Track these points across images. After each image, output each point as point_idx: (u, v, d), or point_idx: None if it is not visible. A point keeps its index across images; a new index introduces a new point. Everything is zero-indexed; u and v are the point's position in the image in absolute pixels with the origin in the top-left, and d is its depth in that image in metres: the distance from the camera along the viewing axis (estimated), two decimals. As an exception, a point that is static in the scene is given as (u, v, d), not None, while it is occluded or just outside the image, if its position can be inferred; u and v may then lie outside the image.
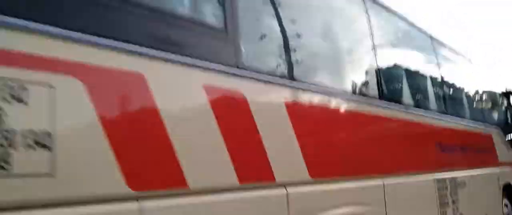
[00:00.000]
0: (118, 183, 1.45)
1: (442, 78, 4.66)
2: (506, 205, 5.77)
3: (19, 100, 1.25)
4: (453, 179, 4.09)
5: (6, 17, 1.26)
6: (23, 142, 1.24)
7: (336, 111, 2.67)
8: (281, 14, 2.38)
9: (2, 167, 1.19)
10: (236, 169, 1.88)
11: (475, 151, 5.12)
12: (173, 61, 1.72)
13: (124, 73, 1.55)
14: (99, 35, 1.48)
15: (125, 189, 1.46)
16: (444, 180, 3.90)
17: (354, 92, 2.93)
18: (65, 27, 1.39)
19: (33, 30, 1.31)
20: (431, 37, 4.48)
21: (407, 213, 3.17)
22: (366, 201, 2.72)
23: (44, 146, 1.28)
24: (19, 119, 1.24)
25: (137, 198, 1.50)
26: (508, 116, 7.04)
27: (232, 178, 1.86)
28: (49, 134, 1.29)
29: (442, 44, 4.81)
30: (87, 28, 1.46)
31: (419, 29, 4.23)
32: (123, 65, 1.55)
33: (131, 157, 1.50)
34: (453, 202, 4.02)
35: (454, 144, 4.44)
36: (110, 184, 1.43)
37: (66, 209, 1.32)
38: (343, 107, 2.72)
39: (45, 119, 1.30)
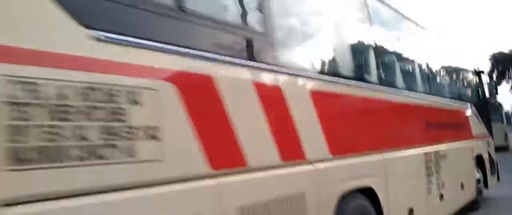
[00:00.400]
0: (203, 165, 1.81)
1: (425, 60, 5.14)
2: (478, 174, 6.41)
3: (136, 102, 1.58)
4: (436, 152, 4.61)
5: (124, 36, 1.58)
6: (142, 135, 1.58)
7: (348, 97, 3.08)
8: (301, 18, 2.75)
9: (132, 156, 1.54)
10: (279, 150, 2.27)
11: (454, 126, 5.70)
12: (232, 65, 2.07)
13: (199, 76, 1.90)
14: (183, 47, 1.81)
15: (209, 170, 1.83)
16: (430, 153, 4.42)
17: (361, 79, 3.35)
18: (161, 42, 1.72)
19: (142, 46, 1.64)
20: (416, 24, 4.92)
21: (401, 182, 3.65)
22: (373, 173, 3.17)
23: (155, 137, 1.63)
24: (138, 117, 1.58)
25: (215, 176, 1.87)
26: (480, 93, 7.68)
27: (276, 157, 2.25)
28: (157, 128, 1.64)
29: (425, 29, 5.27)
30: (175, 42, 1.79)
31: (404, 16, 4.64)
32: (199, 69, 1.89)
33: (210, 144, 1.85)
34: (436, 172, 4.55)
35: (437, 121, 4.96)
36: (198, 166, 1.80)
37: (171, 186, 1.68)
38: (354, 94, 3.14)
39: (154, 116, 1.64)
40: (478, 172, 6.43)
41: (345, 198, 2.75)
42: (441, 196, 4.59)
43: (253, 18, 2.36)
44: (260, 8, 2.37)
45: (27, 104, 1.27)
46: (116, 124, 1.50)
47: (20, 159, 1.23)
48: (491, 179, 7.13)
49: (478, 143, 6.60)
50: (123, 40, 1.57)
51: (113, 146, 1.48)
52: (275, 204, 2.18)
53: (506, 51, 29.67)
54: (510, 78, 27.84)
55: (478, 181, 6.37)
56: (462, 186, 5.44)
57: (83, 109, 1.41)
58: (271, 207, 2.14)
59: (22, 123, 1.25)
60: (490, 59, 29.54)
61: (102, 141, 1.45)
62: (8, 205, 1.20)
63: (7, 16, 1.28)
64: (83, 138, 1.40)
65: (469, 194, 5.78)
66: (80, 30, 1.45)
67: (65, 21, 1.40)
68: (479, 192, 6.34)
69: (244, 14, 2.35)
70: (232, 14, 2.25)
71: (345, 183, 2.80)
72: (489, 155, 7.22)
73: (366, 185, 3.06)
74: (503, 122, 14.83)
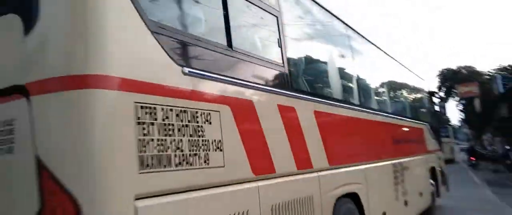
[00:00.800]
0: (248, 171, 2.29)
1: (392, 85, 5.90)
2: (431, 184, 7.23)
3: (208, 122, 2.04)
4: (400, 164, 5.30)
5: (197, 70, 2.04)
6: (212, 147, 2.04)
7: (339, 117, 3.66)
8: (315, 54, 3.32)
9: (206, 163, 1.99)
10: (295, 162, 2.78)
11: (414, 142, 6.48)
12: (264, 90, 2.57)
13: (244, 100, 2.38)
14: (232, 78, 2.30)
15: (252, 175, 2.31)
16: (396, 164, 5.09)
17: (348, 102, 3.95)
18: (218, 74, 2.19)
19: (208, 77, 2.10)
20: (388, 55, 5.68)
21: (377, 189, 4.26)
22: (358, 181, 3.75)
23: (219, 149, 2.09)
24: (210, 133, 2.03)
25: (256, 180, 2.35)
26: (432, 112, 8.63)
27: (294, 167, 2.76)
28: (221, 141, 2.10)
29: (391, 57, 6.04)
30: (227, 73, 2.27)
31: (377, 46, 5.37)
32: (242, 95, 2.37)
33: (252, 154, 2.33)
34: (402, 181, 5.23)
35: (401, 138, 5.69)
36: (245, 172, 2.27)
37: (228, 188, 2.13)
38: (343, 114, 3.73)
39: (218, 131, 2.10)
40: (432, 182, 7.25)
41: (339, 202, 3.29)
42: (406, 202, 5.27)
43: (276, 56, 2.87)
44: (281, 50, 2.89)
45: (147, 123, 1.70)
46: (197, 138, 1.95)
47: (144, 164, 1.66)
48: (442, 189, 8.02)
49: (431, 157, 7.46)
50: (197, 73, 2.03)
51: (196, 155, 1.93)
52: (293, 204, 2.68)
53: (454, 67, 31.51)
54: (455, 93, 29.41)
55: (432, 190, 7.19)
56: (420, 194, 6.19)
57: (178, 127, 1.85)
58: (291, 207, 2.64)
59: (145, 137, 1.68)
60: (439, 75, 31.19)
61: (190, 152, 1.90)
62: (137, 199, 1.62)
63: (135, 58, 1.71)
64: (179, 149, 1.84)
65: (426, 201, 6.56)
66: (173, 64, 1.90)
67: (166, 58, 1.85)
68: (433, 200, 7.16)
69: (270, 53, 2.86)
70: (262, 52, 2.75)
71: (339, 189, 3.35)
72: (440, 168, 8.12)
73: (353, 190, 3.62)
74: (449, 137, 16.25)
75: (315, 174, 3.04)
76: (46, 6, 1.59)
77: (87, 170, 1.51)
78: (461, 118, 35.99)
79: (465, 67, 30.61)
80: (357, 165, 3.86)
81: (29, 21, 1.60)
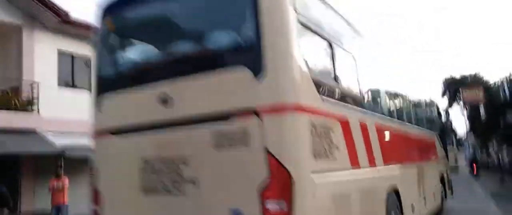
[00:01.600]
0: (348, 164, 3.63)
1: (413, 103, 7.32)
2: (441, 187, 8.63)
3: (332, 131, 3.37)
4: (422, 167, 6.67)
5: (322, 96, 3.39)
6: (334, 147, 3.37)
7: (387, 127, 5.03)
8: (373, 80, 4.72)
9: (333, 157, 3.32)
10: (369, 161, 4.13)
11: (429, 150, 7.89)
12: (352, 110, 3.92)
13: (344, 117, 3.72)
14: (338, 101, 3.64)
15: (350, 166, 3.64)
16: (419, 167, 6.47)
17: (392, 116, 5.34)
18: (332, 98, 3.54)
19: (328, 101, 3.44)
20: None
21: (408, 185, 5.62)
22: (397, 177, 5.10)
23: (338, 148, 3.42)
24: (333, 138, 3.36)
25: (351, 169, 3.68)
26: (440, 125, 10.08)
27: (367, 164, 4.11)
28: (337, 144, 3.43)
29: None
30: (338, 99, 3.62)
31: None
32: (343, 113, 3.71)
33: (349, 153, 3.66)
34: (422, 182, 6.60)
35: (421, 146, 7.10)
36: (347, 164, 3.60)
37: (338, 172, 3.46)
38: (388, 124, 5.10)
39: (336, 138, 3.43)
40: (441, 185, 8.64)
41: (389, 191, 4.64)
42: (425, 200, 6.63)
43: (356, 85, 4.24)
44: (358, 80, 4.27)
45: (313, 132, 3.03)
46: (329, 141, 3.29)
47: (315, 155, 2.99)
48: (449, 192, 9.43)
49: (441, 164, 8.88)
50: (327, 100, 3.37)
51: (331, 152, 3.27)
52: (368, 190, 4.01)
53: (457, 76, 31.48)
54: (460, 99, 28.83)
55: (441, 193, 8.59)
56: (434, 194, 7.57)
57: (323, 134, 3.19)
58: (367, 192, 3.97)
59: (313, 140, 3.02)
60: (444, 82, 31.56)
61: (327, 149, 3.23)
62: (313, 172, 2.95)
63: (306, 92, 3.05)
64: (324, 147, 3.17)
65: (438, 201, 7.95)
66: (318, 95, 3.24)
67: (315, 92, 3.19)
68: (442, 201, 8.55)
69: (352, 83, 4.22)
70: (349, 83, 4.11)
71: (389, 182, 4.70)
72: (447, 173, 9.54)
73: (396, 184, 4.97)
74: (453, 146, 17.44)
75: (377, 169, 4.39)
76: (268, 67, 2.91)
77: (294, 156, 2.84)
78: (467, 126, 35.56)
79: (470, 76, 30.27)
80: (397, 166, 5.22)
81: (256, 72, 2.91)
